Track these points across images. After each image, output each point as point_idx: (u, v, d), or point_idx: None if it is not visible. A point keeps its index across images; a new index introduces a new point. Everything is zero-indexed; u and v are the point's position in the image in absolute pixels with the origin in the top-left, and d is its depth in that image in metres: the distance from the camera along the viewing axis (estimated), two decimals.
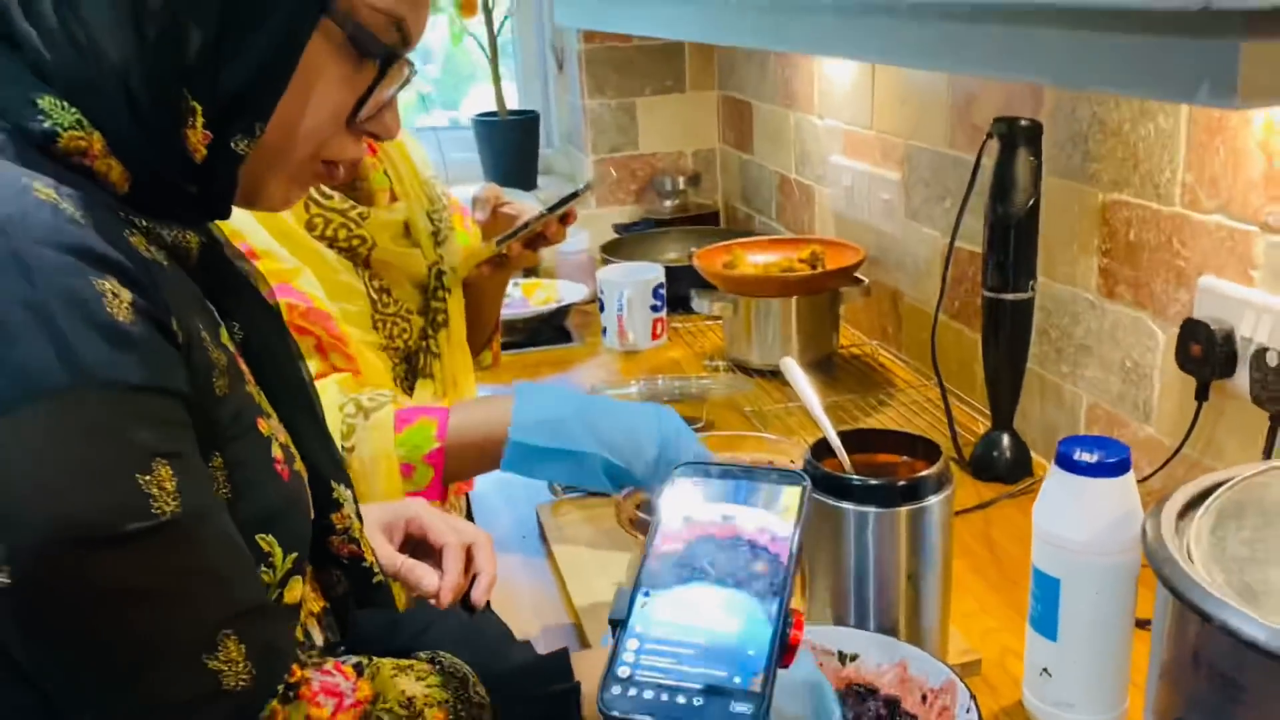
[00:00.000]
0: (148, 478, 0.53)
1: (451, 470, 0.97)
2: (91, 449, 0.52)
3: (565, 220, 1.22)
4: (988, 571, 1.09)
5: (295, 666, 0.59)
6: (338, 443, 0.89)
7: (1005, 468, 1.25)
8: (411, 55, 0.66)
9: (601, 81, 2.32)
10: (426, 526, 0.86)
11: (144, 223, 0.59)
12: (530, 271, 2.10)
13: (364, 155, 0.64)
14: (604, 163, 2.36)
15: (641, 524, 1.03)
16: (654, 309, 1.79)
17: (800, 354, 1.58)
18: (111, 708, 0.54)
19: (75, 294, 0.51)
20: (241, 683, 0.55)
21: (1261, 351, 0.93)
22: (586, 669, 0.68)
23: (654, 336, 1.80)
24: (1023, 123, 1.16)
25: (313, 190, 1.00)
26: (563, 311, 1.92)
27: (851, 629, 0.87)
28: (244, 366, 0.65)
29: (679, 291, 1.79)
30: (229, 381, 0.61)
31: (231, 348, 0.64)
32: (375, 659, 0.64)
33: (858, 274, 1.63)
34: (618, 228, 2.26)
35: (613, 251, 2.02)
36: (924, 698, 0.82)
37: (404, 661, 0.64)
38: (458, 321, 1.19)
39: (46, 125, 0.56)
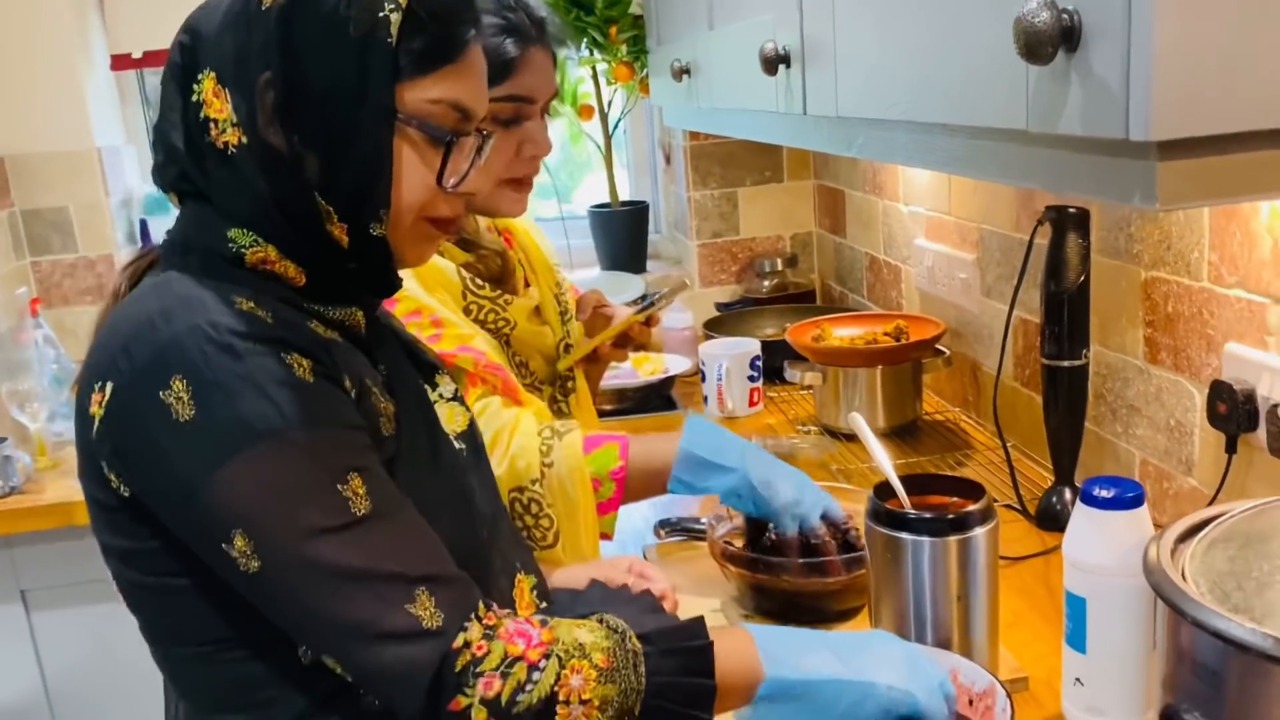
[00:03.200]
0: (345, 487, 0.74)
1: (629, 488, 1.17)
2: (301, 472, 0.73)
3: (649, 323, 1.42)
4: (1045, 609, 1.22)
5: (490, 614, 0.77)
6: (536, 460, 1.12)
7: (1066, 518, 1.36)
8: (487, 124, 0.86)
9: (705, 174, 2.54)
10: (646, 573, 1.10)
11: (319, 309, 0.82)
12: (640, 346, 2.30)
13: (463, 211, 0.86)
14: (715, 274, 2.57)
15: (730, 555, 1.20)
16: (751, 379, 1.97)
17: (885, 420, 1.73)
18: (344, 642, 0.74)
19: (268, 366, 0.74)
20: (436, 624, 0.74)
21: (1274, 407, 1.06)
22: (724, 640, 0.84)
23: (751, 404, 1.97)
24: (1071, 210, 1.31)
25: (467, 281, 1.22)
26: (669, 382, 2.11)
27: (911, 643, 1.01)
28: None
29: (774, 364, 1.97)
30: (393, 424, 0.83)
31: (388, 400, 0.84)
32: (557, 617, 0.81)
33: (940, 346, 1.78)
34: (719, 306, 2.46)
35: (714, 328, 2.21)
36: (970, 700, 0.96)
37: (578, 620, 0.81)
38: (583, 386, 1.39)
39: (235, 250, 0.80)
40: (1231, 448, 1.13)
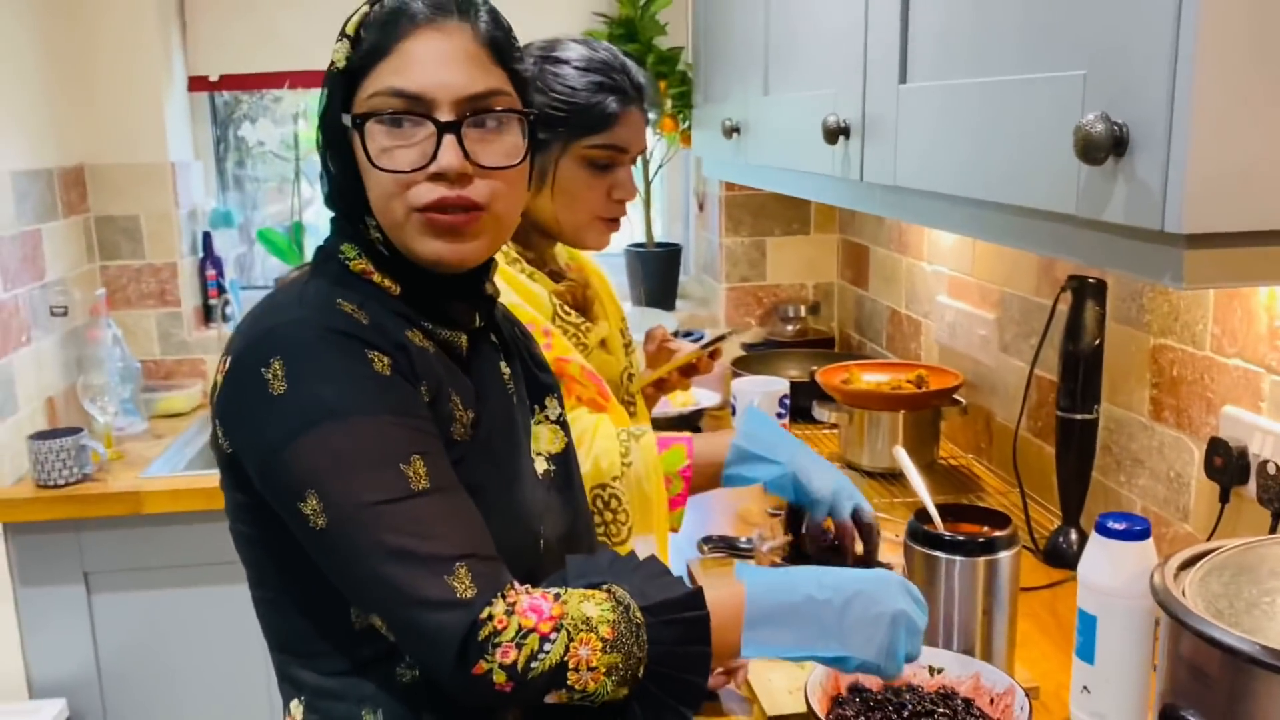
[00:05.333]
0: (406, 467, 0.86)
1: (696, 483, 1.33)
2: (369, 449, 0.85)
3: (714, 356, 1.58)
4: (1053, 633, 1.36)
5: (513, 592, 0.86)
6: (617, 459, 1.28)
7: (1072, 556, 1.52)
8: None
9: (737, 222, 2.70)
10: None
11: (426, 324, 0.95)
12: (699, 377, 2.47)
13: (454, 196, 0.89)
14: (740, 316, 2.73)
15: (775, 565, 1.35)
16: (779, 416, 2.12)
17: None
18: (388, 603, 0.85)
19: (352, 358, 0.87)
20: (468, 596, 0.83)
21: (1264, 463, 1.21)
22: (718, 605, 0.92)
23: None
24: (1091, 280, 1.47)
25: (558, 306, 1.38)
26: (699, 414, 2.26)
27: (940, 649, 1.16)
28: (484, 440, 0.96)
29: (799, 403, 2.12)
30: (468, 434, 0.94)
31: (467, 410, 0.95)
32: (569, 589, 0.89)
33: (957, 396, 1.93)
34: (745, 346, 2.61)
35: (741, 366, 2.37)
36: (991, 700, 1.10)
37: (589, 591, 0.89)
38: (643, 409, 1.54)
39: (344, 260, 0.95)
40: (1225, 498, 1.29)
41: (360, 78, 0.90)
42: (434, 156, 0.88)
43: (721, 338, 1.57)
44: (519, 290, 1.32)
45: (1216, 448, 1.28)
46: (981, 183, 1.05)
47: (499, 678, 0.84)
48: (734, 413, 2.13)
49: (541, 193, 1.35)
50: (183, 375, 2.64)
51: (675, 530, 1.35)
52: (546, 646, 0.84)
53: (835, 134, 1.42)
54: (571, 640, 0.85)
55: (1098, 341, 1.47)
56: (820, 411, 1.98)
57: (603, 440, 1.30)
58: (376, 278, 0.95)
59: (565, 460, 1.07)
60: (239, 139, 2.87)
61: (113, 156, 2.54)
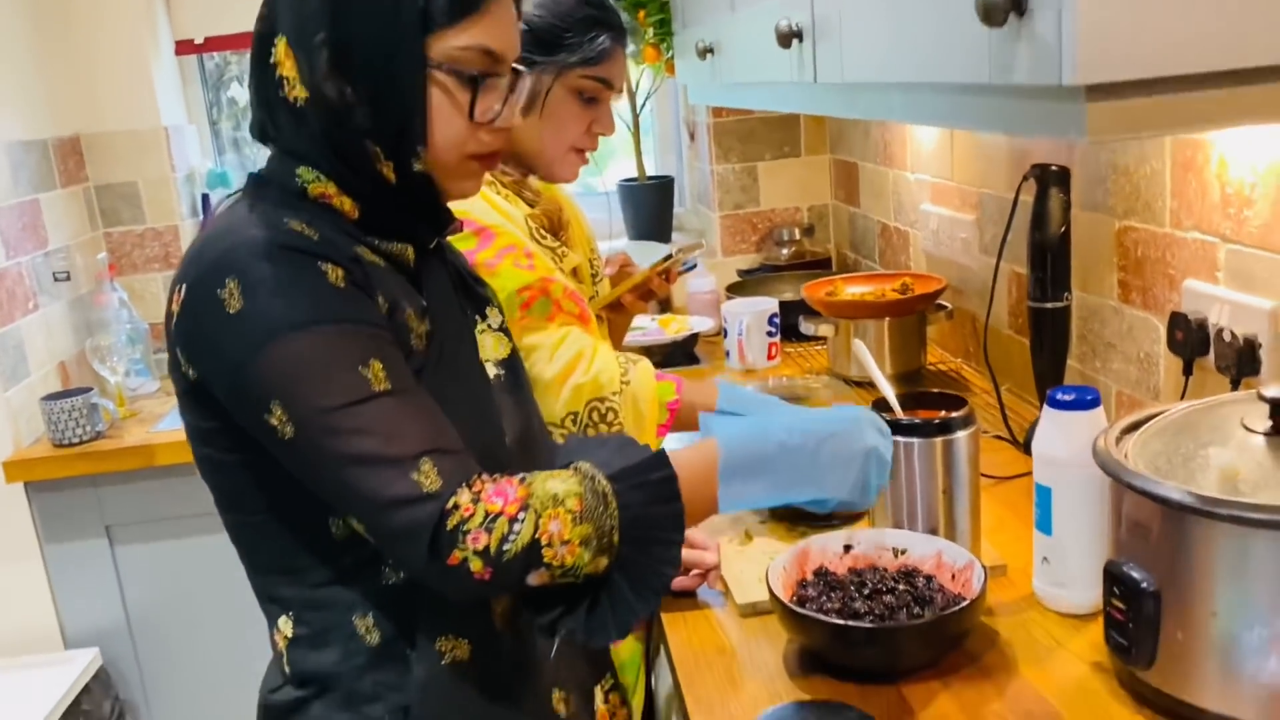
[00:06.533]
0: (365, 370, 0.88)
1: (677, 422, 1.36)
2: (329, 355, 0.87)
3: (668, 278, 1.60)
4: (1025, 517, 1.36)
5: (478, 481, 0.87)
6: (617, 376, 1.32)
7: None
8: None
9: (728, 149, 2.70)
10: (688, 534, 1.19)
11: (373, 240, 0.96)
12: (665, 308, 2.48)
13: (502, 146, 0.99)
14: (736, 244, 2.74)
15: None
16: (769, 334, 2.14)
17: (891, 367, 1.90)
18: (360, 503, 0.87)
19: (306, 271, 0.88)
20: (434, 488, 0.85)
21: (1219, 331, 1.22)
22: (688, 464, 0.95)
23: (769, 358, 2.14)
24: (1054, 168, 1.47)
25: (533, 229, 1.41)
26: (693, 339, 2.28)
27: (904, 531, 1.19)
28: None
29: (791, 322, 2.14)
30: (425, 345, 0.96)
31: (422, 322, 0.97)
32: (534, 472, 0.91)
33: (942, 301, 1.94)
34: (740, 272, 2.63)
35: (736, 291, 2.38)
36: (953, 575, 1.13)
37: (554, 471, 0.91)
38: (606, 333, 1.58)
39: (301, 184, 0.96)
40: (1188, 370, 1.30)
41: (443, 26, 0.92)
42: (500, 112, 0.96)
43: (669, 258, 1.60)
44: (497, 211, 1.35)
45: (1177, 322, 1.29)
46: (911, 65, 1.06)
47: (475, 565, 0.85)
48: (725, 335, 2.16)
49: (528, 117, 1.37)
50: None
51: None
52: (516, 527, 0.86)
53: (789, 38, 1.43)
54: (540, 517, 0.86)
55: (1064, 229, 1.47)
56: (807, 325, 2.00)
57: (603, 358, 1.34)
58: (335, 201, 0.96)
59: (513, 365, 1.09)
60: (230, 101, 2.91)
61: (107, 124, 2.58)
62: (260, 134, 1.01)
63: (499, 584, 0.87)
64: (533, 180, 1.51)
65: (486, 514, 0.86)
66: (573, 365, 1.32)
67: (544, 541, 0.87)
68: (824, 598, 1.10)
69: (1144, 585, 0.93)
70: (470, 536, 0.85)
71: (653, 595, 0.91)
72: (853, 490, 1.00)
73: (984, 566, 1.09)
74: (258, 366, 0.87)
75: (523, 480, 0.90)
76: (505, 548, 0.86)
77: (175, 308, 0.93)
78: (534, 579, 0.88)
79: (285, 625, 1.01)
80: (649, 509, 0.91)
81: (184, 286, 0.92)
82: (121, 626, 2.24)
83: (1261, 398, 0.92)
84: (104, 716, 2.19)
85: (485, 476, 0.90)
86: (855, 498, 1.00)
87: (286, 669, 1.01)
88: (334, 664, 0.98)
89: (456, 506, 0.86)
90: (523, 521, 0.86)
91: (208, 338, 0.90)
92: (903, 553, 1.17)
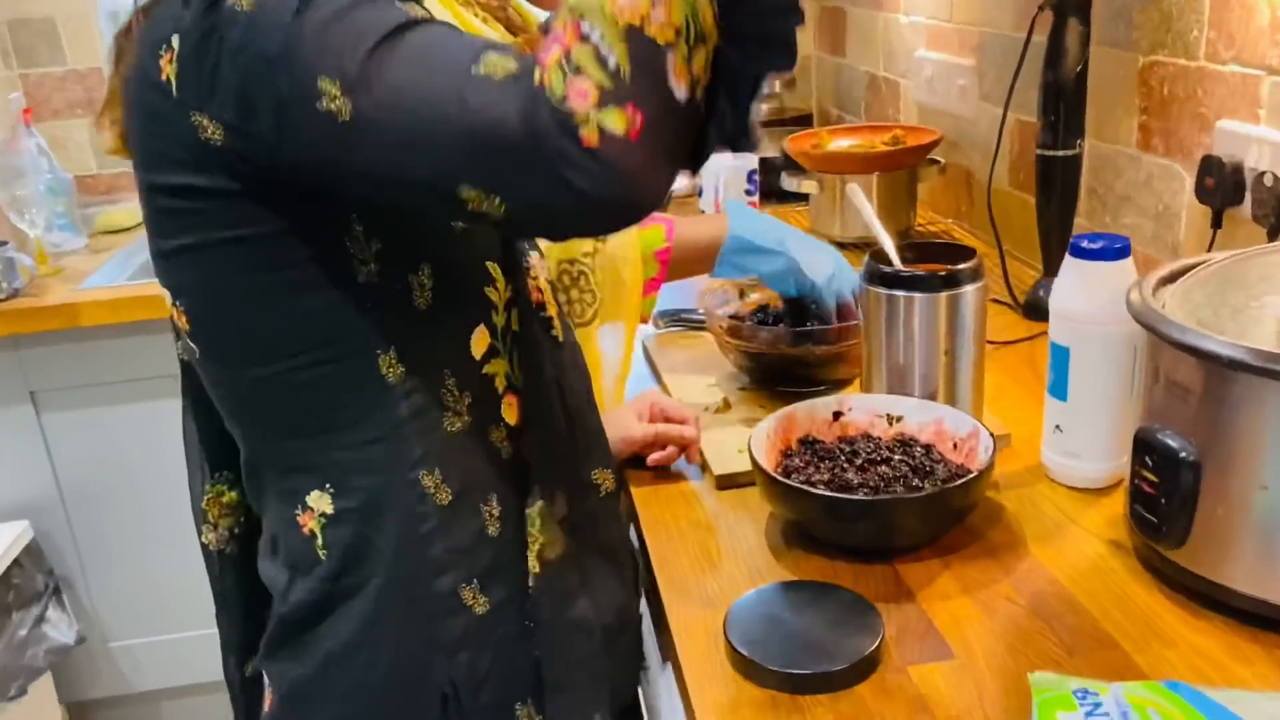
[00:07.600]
0: (406, 5, 0.72)
1: (673, 268, 1.22)
2: (353, 4, 0.71)
3: None
4: (1029, 384, 1.27)
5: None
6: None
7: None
8: None
9: None
10: (666, 407, 1.13)
11: None
12: None
13: None
14: None
15: (730, 328, 1.24)
16: (748, 193, 1.98)
17: None
18: (440, 147, 0.69)
19: None
20: (511, 68, 0.67)
21: (1260, 176, 1.08)
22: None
23: None
24: None
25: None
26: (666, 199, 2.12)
27: (899, 396, 1.06)
28: None
29: (771, 182, 1.98)
30: None
31: None
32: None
33: (935, 155, 1.79)
34: None
35: None
36: (955, 445, 1.01)
37: None
38: None
39: None
40: (1217, 223, 1.17)
41: None
42: None
43: None
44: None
45: (1209, 167, 1.15)
46: None
47: (611, 120, 0.65)
48: (700, 194, 2.00)
49: None
50: (123, 190, 2.50)
51: (645, 320, 1.24)
52: (594, 37, 0.66)
53: None
54: (604, 11, 0.66)
55: (1080, 67, 1.32)
56: (789, 181, 1.84)
57: None
58: None
59: None
60: None
61: None
62: None
63: (655, 126, 0.66)
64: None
65: (559, 61, 0.66)
66: None
67: (634, 24, 0.65)
68: (811, 469, 0.99)
69: (1182, 455, 0.81)
70: (575, 92, 0.65)
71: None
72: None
73: (992, 435, 0.97)
74: (295, 48, 0.70)
75: (555, 15, 0.71)
76: (609, 65, 0.65)
77: (170, 70, 0.74)
78: (677, 74, 0.67)
79: (320, 501, 0.84)
80: None
81: (175, 38, 0.74)
82: (53, 497, 2.10)
83: None
84: (37, 590, 2.07)
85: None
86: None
87: (322, 554, 0.84)
88: (396, 535, 0.83)
89: (530, 74, 0.67)
90: (596, 29, 0.66)
91: (230, 60, 0.72)
92: (898, 420, 1.05)
